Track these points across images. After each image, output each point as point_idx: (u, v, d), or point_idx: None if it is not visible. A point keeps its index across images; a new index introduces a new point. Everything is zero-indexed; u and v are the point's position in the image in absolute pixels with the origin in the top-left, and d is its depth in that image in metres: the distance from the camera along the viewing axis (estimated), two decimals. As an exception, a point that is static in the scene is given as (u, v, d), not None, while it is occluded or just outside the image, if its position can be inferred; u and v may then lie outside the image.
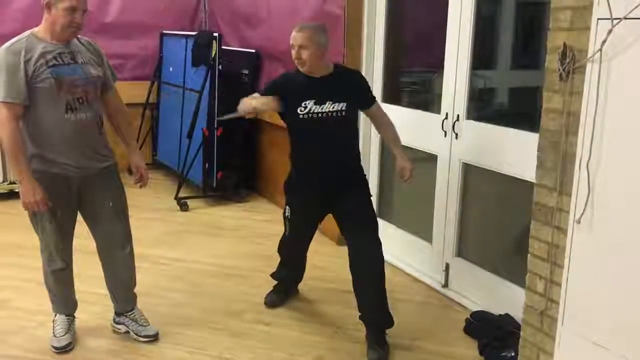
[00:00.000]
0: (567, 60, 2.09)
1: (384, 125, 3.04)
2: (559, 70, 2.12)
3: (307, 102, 2.79)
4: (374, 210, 3.00)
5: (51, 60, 2.50)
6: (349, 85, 2.87)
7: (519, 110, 3.34)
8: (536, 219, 2.31)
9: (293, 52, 2.78)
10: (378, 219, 4.16)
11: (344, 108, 2.82)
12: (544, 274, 2.29)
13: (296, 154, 2.98)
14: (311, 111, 2.80)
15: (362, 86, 2.97)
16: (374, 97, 3.03)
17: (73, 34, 2.58)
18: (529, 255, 2.36)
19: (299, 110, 2.81)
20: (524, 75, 3.34)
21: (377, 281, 2.84)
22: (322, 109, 2.80)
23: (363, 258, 2.84)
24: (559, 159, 2.17)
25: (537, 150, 2.29)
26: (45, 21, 2.53)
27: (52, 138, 2.55)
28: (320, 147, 2.86)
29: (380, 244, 2.88)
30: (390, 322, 2.90)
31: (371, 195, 3.00)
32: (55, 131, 2.55)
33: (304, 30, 2.77)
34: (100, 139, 2.70)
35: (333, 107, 2.80)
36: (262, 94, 2.92)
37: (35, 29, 2.55)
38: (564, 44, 2.09)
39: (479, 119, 3.27)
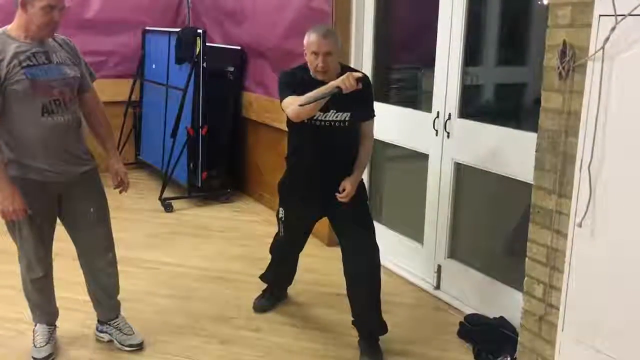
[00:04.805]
0: (567, 58, 2.03)
1: (362, 147, 2.78)
2: (559, 68, 2.05)
3: None
4: (371, 216, 2.89)
5: (25, 61, 2.37)
6: (355, 94, 2.60)
7: (513, 108, 3.27)
8: (534, 221, 2.25)
9: (316, 59, 2.56)
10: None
11: (347, 118, 2.67)
12: (542, 279, 2.23)
13: (295, 157, 2.86)
14: (314, 117, 2.63)
15: (368, 97, 2.77)
16: (373, 113, 2.81)
17: (50, 32, 2.45)
18: (527, 259, 2.29)
19: None
20: (518, 71, 3.27)
21: (374, 288, 2.76)
22: (325, 117, 2.65)
23: (360, 264, 2.74)
24: (558, 160, 2.11)
25: (536, 151, 2.22)
26: (20, 19, 2.39)
27: (29, 142, 2.43)
28: (320, 154, 2.74)
29: (378, 249, 2.79)
30: (384, 329, 2.82)
31: (368, 199, 2.90)
32: (32, 135, 2.42)
33: (329, 36, 2.58)
34: (79, 142, 2.58)
35: (336, 117, 2.65)
36: (288, 92, 2.63)
37: (8, 27, 2.42)
38: (564, 42, 2.03)
39: (471, 117, 3.20)
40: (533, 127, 2.36)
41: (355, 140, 2.79)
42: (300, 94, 2.50)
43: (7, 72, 2.34)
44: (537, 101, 2.25)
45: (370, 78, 3.84)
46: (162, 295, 3.41)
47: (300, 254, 3.20)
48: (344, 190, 2.70)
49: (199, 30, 4.92)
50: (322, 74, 2.61)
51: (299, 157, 2.84)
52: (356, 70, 2.88)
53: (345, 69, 2.76)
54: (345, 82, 2.41)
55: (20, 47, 2.39)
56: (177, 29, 5.28)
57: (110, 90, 5.73)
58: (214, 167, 5.15)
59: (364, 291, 2.77)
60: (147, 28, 5.88)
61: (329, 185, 2.73)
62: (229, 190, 5.24)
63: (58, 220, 2.68)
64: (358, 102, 2.66)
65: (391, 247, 3.82)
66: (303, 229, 3.00)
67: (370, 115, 2.80)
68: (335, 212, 2.82)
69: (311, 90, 2.49)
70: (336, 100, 2.54)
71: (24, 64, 2.38)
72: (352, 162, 2.77)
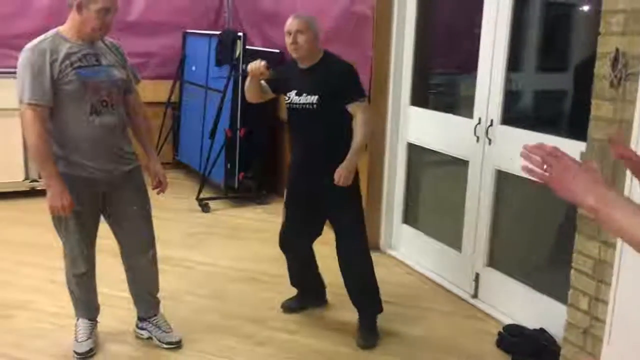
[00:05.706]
0: (620, 66, 1.98)
1: (354, 132, 2.78)
2: (610, 76, 2.01)
3: (291, 93, 2.85)
4: (357, 214, 2.95)
5: (76, 62, 2.43)
6: (328, 77, 2.77)
7: (556, 115, 3.21)
8: (581, 232, 2.21)
9: (288, 39, 2.76)
10: (404, 225, 4.09)
11: (314, 101, 2.78)
12: (588, 291, 2.18)
13: (290, 140, 3.06)
14: (292, 102, 2.85)
15: (343, 79, 2.79)
16: (359, 95, 2.80)
17: (102, 35, 2.52)
18: (572, 270, 2.25)
19: (286, 99, 2.90)
20: (560, 78, 3.21)
21: (365, 270, 2.94)
22: (299, 100, 2.82)
23: (344, 249, 2.95)
24: (608, 170, 2.06)
25: (582, 160, 2.18)
26: (73, 21, 2.46)
27: (77, 141, 2.49)
28: (300, 138, 2.95)
29: (363, 247, 2.96)
30: (375, 308, 3.00)
31: (359, 195, 2.93)
32: (80, 134, 2.49)
33: (301, 17, 2.81)
34: (124, 141, 2.64)
35: (306, 100, 2.80)
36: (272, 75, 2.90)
37: (61, 28, 2.49)
38: (617, 50, 1.98)
39: (512, 123, 3.15)
40: (575, 134, 2.31)
41: (338, 124, 2.82)
42: (285, 79, 2.88)
43: (60, 72, 2.41)
44: (580, 108, 2.21)
45: (409, 82, 3.87)
46: (198, 295, 3.44)
47: (331, 258, 3.19)
48: (340, 177, 2.76)
49: (239, 33, 4.97)
50: (296, 52, 2.77)
51: (290, 139, 3.02)
52: (338, 60, 2.91)
53: (327, 58, 2.86)
54: (251, 65, 2.80)
55: (72, 48, 2.45)
56: (217, 32, 5.34)
57: (150, 91, 5.82)
58: (250, 168, 5.20)
59: (351, 274, 2.98)
60: (188, 30, 5.97)
61: (315, 167, 2.86)
62: (264, 191, 5.27)
63: (102, 218, 2.74)
64: (330, 86, 2.75)
65: (428, 253, 3.79)
66: (301, 212, 3.03)
67: (350, 97, 2.77)
68: (328, 211, 2.97)
69: (290, 76, 2.86)
70: (307, 83, 2.78)
71: (76, 65, 2.44)
72: (339, 146, 2.79)
